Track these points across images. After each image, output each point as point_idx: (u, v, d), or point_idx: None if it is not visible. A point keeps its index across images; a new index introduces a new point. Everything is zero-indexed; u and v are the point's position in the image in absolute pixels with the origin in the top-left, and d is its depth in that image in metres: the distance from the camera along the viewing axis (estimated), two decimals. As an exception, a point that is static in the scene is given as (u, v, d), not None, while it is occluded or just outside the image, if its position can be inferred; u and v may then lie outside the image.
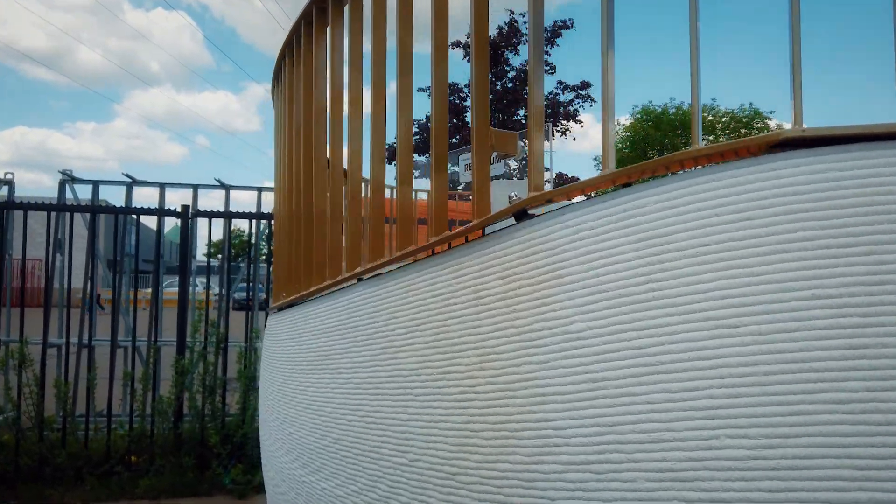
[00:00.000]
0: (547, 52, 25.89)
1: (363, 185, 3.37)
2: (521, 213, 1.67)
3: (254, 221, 6.51)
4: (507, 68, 25.79)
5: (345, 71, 2.48)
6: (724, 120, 35.05)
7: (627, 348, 1.38)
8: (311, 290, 2.54)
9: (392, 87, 2.19)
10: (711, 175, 1.36)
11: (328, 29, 2.57)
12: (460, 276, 1.73)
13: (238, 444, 5.86)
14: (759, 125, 34.36)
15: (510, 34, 25.46)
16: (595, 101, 26.01)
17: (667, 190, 1.40)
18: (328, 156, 2.58)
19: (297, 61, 2.79)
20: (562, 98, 26.46)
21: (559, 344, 1.48)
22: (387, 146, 2.20)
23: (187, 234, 6.31)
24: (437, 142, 1.94)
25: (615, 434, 1.38)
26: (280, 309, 2.98)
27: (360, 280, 2.20)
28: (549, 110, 25.42)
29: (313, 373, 2.33)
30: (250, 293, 6.66)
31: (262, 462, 3.40)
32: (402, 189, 2.05)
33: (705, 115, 34.66)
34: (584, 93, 26.45)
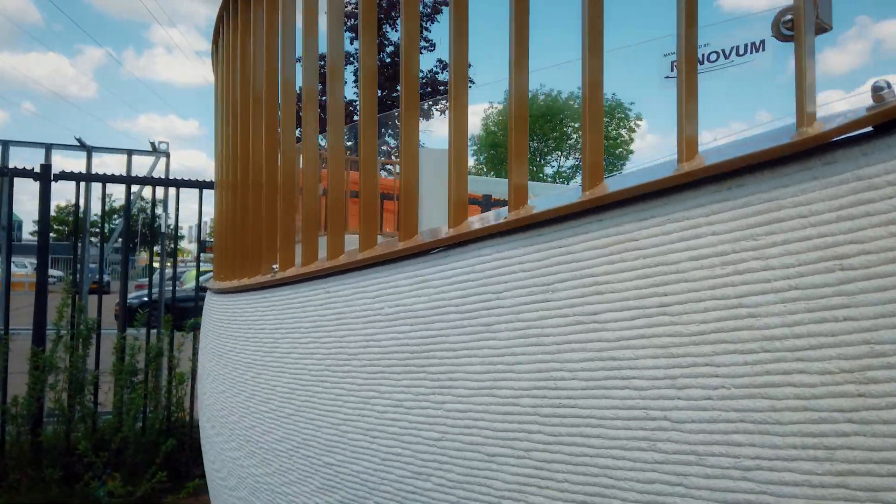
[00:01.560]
0: (427, 28, 24.32)
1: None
2: (890, 123, 0.94)
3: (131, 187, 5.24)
4: (386, 42, 23.93)
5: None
6: (590, 109, 35.87)
7: None
8: (343, 262, 1.65)
9: None
10: None
11: None
12: (766, 225, 0.97)
13: (116, 450, 4.62)
14: (619, 115, 35.81)
15: (389, 7, 23.43)
16: (474, 83, 23.59)
17: None
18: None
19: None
20: (441, 77, 24.66)
21: None
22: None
23: (47, 200, 4.92)
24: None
25: None
26: (258, 288, 2.04)
27: (449, 247, 1.37)
28: (429, 89, 23.93)
29: (384, 377, 1.45)
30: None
31: (209, 476, 2.43)
32: (592, 92, 1.24)
33: (571, 103, 35.39)
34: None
